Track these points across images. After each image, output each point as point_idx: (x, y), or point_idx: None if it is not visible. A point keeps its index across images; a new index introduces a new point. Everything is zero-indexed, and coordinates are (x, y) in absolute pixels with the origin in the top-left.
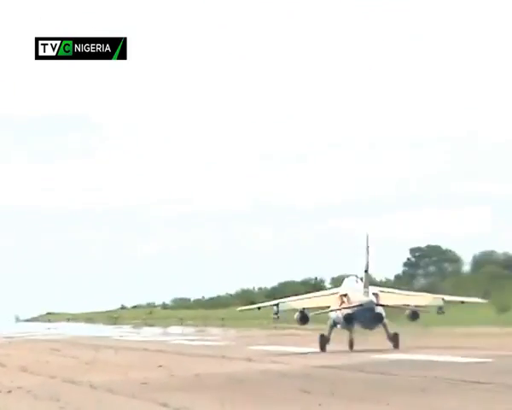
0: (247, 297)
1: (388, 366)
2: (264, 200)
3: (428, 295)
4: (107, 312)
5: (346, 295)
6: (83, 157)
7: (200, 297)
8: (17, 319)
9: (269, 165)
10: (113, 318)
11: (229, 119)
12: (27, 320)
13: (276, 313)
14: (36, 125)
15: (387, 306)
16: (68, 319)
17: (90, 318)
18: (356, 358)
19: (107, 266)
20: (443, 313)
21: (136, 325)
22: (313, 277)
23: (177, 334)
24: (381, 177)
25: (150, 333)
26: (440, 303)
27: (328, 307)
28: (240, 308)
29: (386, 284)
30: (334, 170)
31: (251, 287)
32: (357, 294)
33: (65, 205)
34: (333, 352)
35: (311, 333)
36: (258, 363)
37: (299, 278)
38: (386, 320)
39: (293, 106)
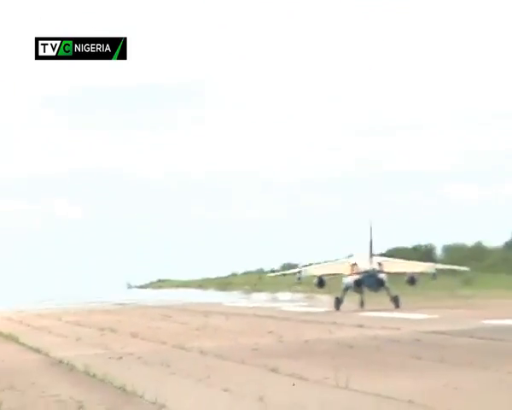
0: None
1: (499, 332)
2: (371, 162)
3: (423, 263)
4: (217, 278)
5: (355, 264)
6: (191, 125)
7: (307, 263)
8: (129, 286)
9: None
10: (223, 284)
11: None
12: (139, 287)
13: (299, 279)
14: (143, 94)
15: (388, 273)
16: (177, 286)
17: (200, 284)
18: (465, 323)
19: (218, 232)
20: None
21: (246, 291)
22: (423, 243)
23: (287, 300)
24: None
25: (260, 299)
26: (433, 271)
27: (341, 274)
28: (269, 275)
29: (495, 251)
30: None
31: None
32: (364, 263)
33: (172, 172)
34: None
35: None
36: (368, 329)
37: (409, 245)
38: (387, 284)
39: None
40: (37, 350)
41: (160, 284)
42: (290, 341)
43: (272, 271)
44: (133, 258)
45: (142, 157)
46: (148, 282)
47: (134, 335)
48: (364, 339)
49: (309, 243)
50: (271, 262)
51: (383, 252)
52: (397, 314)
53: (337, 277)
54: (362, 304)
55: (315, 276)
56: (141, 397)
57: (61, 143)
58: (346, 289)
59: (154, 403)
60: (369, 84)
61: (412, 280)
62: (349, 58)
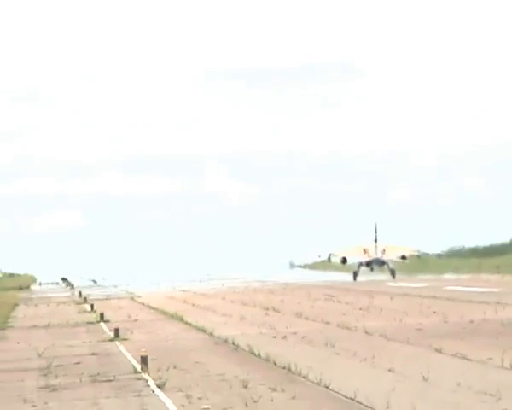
0: None
1: None
2: None
3: (410, 248)
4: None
5: (366, 250)
6: (348, 104)
7: (474, 245)
8: (291, 265)
9: None
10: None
11: None
12: (302, 267)
13: (329, 260)
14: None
15: (389, 261)
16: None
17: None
18: None
19: (376, 212)
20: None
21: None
22: None
23: (452, 280)
24: None
25: (423, 280)
26: (417, 254)
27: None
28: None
29: None
30: None
31: None
32: (372, 249)
33: (334, 151)
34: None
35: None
36: None
37: None
38: (387, 263)
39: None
40: (202, 329)
41: (324, 264)
42: (455, 321)
43: None
44: (297, 237)
45: (309, 137)
46: (310, 262)
47: (298, 314)
48: None
49: (473, 225)
50: (436, 245)
51: None
52: None
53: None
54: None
55: (339, 256)
56: (305, 377)
57: (233, 125)
58: (360, 265)
59: (317, 384)
60: None
61: (403, 257)
62: None
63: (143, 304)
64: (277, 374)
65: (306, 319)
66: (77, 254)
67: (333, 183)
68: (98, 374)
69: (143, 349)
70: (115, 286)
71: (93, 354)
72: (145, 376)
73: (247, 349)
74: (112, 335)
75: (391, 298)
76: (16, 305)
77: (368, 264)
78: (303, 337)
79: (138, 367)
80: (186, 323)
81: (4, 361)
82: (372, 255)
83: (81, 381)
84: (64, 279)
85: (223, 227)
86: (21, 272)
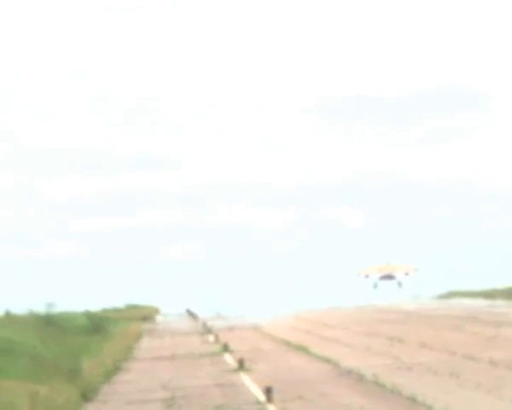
0: None
1: None
2: None
3: (408, 266)
4: (506, 289)
5: (381, 268)
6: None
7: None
8: (415, 297)
9: None
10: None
11: None
12: (428, 298)
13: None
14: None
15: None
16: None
17: (489, 295)
18: None
19: (506, 241)
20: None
21: None
22: None
23: None
24: None
25: None
26: (414, 270)
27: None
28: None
29: None
30: None
31: None
32: (384, 269)
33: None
34: None
35: None
36: None
37: None
38: (395, 277)
39: None
40: (327, 360)
41: (450, 295)
42: None
43: None
44: (423, 268)
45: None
46: (436, 293)
47: (422, 345)
48: None
49: None
50: None
51: None
52: None
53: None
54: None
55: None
56: (429, 408)
57: (334, 150)
58: (380, 279)
59: None
60: None
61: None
62: None
63: (267, 334)
64: (402, 405)
65: (431, 349)
66: (200, 284)
67: (446, 208)
68: (222, 405)
69: (268, 380)
70: (239, 317)
71: (217, 384)
72: (270, 407)
73: (372, 380)
74: (236, 365)
75: None
76: (140, 336)
77: (383, 278)
78: (428, 368)
79: (262, 398)
80: (310, 353)
81: (129, 392)
82: (383, 272)
83: None
84: (188, 310)
85: (341, 254)
86: (145, 302)
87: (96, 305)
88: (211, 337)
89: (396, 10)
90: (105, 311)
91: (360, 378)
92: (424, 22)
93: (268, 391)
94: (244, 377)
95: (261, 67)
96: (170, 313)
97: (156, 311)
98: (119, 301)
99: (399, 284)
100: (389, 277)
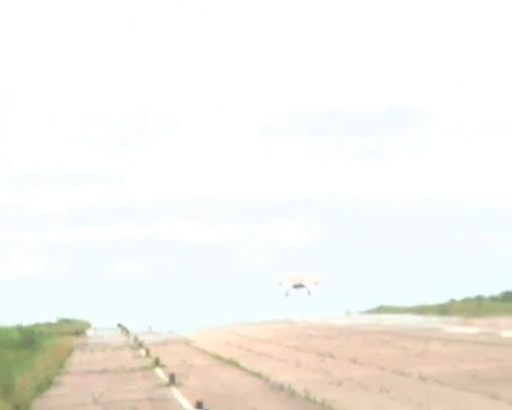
0: None
1: None
2: None
3: (316, 276)
4: (436, 305)
5: (293, 278)
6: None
7: None
8: (347, 312)
9: None
10: (442, 310)
11: None
12: (358, 313)
13: None
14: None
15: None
16: (394, 312)
17: (420, 310)
18: None
19: (436, 257)
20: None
21: (464, 318)
22: None
23: (508, 326)
24: None
25: (478, 325)
26: (320, 280)
27: None
28: None
29: None
30: None
31: None
32: (295, 278)
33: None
34: None
35: None
36: None
37: None
38: (305, 285)
39: None
40: (258, 375)
41: (381, 310)
42: (510, 366)
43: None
44: (353, 283)
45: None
46: (367, 308)
47: (353, 360)
48: None
49: None
50: (491, 288)
51: None
52: None
53: None
54: None
55: None
56: None
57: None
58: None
59: None
60: None
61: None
62: None
63: (198, 349)
64: None
65: (361, 364)
66: (132, 300)
67: (392, 228)
68: None
69: (199, 394)
70: (171, 332)
71: (148, 398)
72: None
73: (303, 395)
74: (167, 380)
75: (444, 344)
76: (72, 350)
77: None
78: (358, 382)
79: None
80: (242, 368)
81: (61, 406)
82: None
83: None
84: (119, 325)
85: (275, 268)
86: (77, 317)
87: (28, 319)
88: (142, 352)
89: (349, 30)
90: (37, 325)
91: (291, 393)
92: (374, 42)
93: (199, 405)
94: (175, 392)
95: (217, 80)
96: (101, 327)
97: (88, 325)
98: (51, 316)
99: (309, 293)
100: (300, 286)
